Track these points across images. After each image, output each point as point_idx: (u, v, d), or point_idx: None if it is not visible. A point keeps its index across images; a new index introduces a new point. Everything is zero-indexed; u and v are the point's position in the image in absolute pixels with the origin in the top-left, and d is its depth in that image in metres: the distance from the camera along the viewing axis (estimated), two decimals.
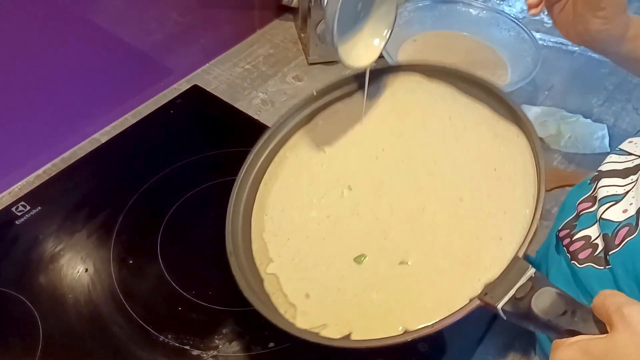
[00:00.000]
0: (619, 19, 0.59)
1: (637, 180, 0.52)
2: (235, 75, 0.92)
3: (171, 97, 0.87)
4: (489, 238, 0.53)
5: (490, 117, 0.62)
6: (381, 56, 0.76)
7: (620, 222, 0.49)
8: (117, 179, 0.76)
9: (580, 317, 0.42)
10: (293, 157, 0.67)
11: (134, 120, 0.83)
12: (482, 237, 0.53)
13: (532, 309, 0.43)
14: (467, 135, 0.61)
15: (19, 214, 0.70)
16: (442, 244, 0.54)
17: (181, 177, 0.76)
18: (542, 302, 0.43)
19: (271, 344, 0.59)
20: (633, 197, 0.51)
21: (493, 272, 0.49)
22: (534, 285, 0.45)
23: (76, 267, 0.66)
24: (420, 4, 0.94)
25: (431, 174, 0.60)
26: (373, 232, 0.58)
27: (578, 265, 0.52)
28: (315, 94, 0.68)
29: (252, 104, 0.88)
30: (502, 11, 0.97)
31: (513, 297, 0.46)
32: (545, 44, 1.00)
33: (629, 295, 0.46)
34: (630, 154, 0.57)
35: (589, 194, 0.56)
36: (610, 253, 0.49)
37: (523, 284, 0.46)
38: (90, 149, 0.79)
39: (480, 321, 0.63)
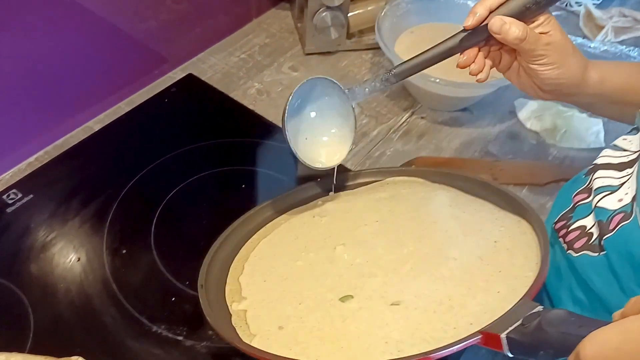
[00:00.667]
0: (570, 61, 0.57)
1: (632, 172, 0.53)
2: (231, 64, 0.91)
3: (165, 86, 0.86)
4: (488, 294, 0.51)
5: (492, 208, 0.63)
6: (378, 48, 0.76)
7: (616, 209, 0.50)
8: (110, 167, 0.75)
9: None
10: (290, 220, 0.68)
11: (127, 109, 0.82)
12: (481, 293, 0.52)
13: (544, 327, 0.40)
14: (466, 217, 0.63)
15: (10, 202, 0.70)
16: (434, 292, 0.53)
17: (175, 167, 0.75)
18: (555, 319, 0.41)
19: None
20: (629, 188, 0.52)
21: (493, 318, 0.47)
22: (542, 313, 0.43)
23: (68, 256, 0.65)
24: None
25: (424, 241, 0.60)
26: (362, 280, 0.56)
27: (574, 254, 0.53)
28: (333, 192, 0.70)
29: (247, 94, 0.87)
30: None
31: (520, 325, 0.43)
32: None
33: (623, 278, 0.46)
34: (625, 150, 0.58)
35: (584, 185, 0.57)
36: (604, 237, 0.50)
37: (530, 314, 0.43)
38: (84, 137, 0.78)
39: None
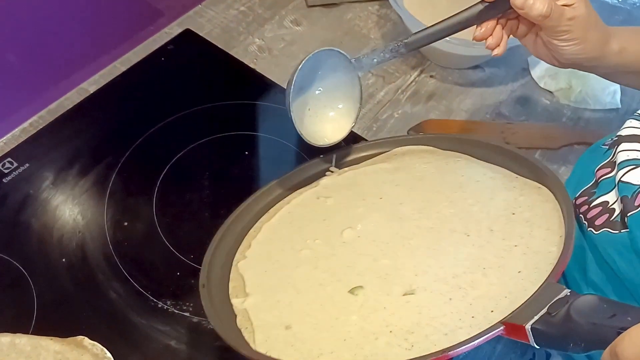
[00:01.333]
0: (592, 36, 0.54)
1: None
2: (230, 18, 0.87)
3: (162, 43, 0.82)
4: (505, 272, 0.49)
5: (508, 174, 0.60)
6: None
7: None
8: (107, 133, 0.72)
9: (636, 317, 0.35)
10: (292, 203, 0.64)
11: (123, 69, 0.78)
12: (500, 272, 0.49)
13: (573, 316, 0.37)
14: (480, 187, 0.59)
15: (6, 171, 0.67)
16: (449, 275, 0.50)
17: (174, 133, 0.72)
18: (584, 307, 0.37)
19: None
20: None
21: (515, 304, 0.44)
22: (570, 299, 0.39)
23: (69, 229, 0.64)
24: None
25: (435, 217, 0.57)
26: (372, 266, 0.53)
27: (594, 232, 0.51)
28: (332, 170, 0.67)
29: (248, 51, 0.83)
30: None
31: (546, 314, 0.39)
32: None
33: None
34: None
35: (608, 159, 0.54)
36: (629, 214, 0.48)
37: (556, 301, 0.40)
38: (79, 100, 0.75)
39: None
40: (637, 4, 0.92)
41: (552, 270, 0.45)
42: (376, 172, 0.65)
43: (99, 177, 0.68)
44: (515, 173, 0.59)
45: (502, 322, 0.41)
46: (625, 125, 0.55)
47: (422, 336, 0.45)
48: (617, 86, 0.80)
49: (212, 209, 0.66)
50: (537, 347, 0.39)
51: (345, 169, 0.67)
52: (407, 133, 0.74)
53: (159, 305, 0.58)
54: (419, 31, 0.59)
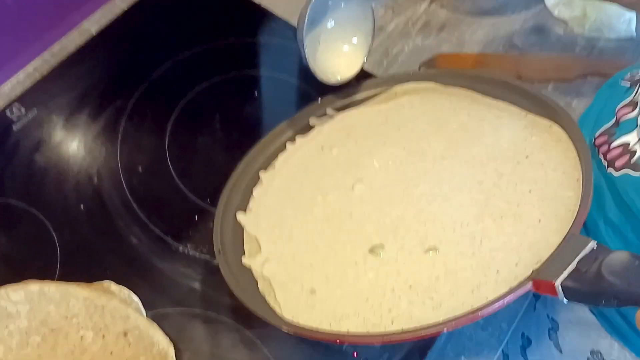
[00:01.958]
0: None
1: None
2: None
3: None
4: (523, 221, 0.48)
5: (516, 112, 0.57)
6: None
7: None
8: (114, 75, 0.71)
9: None
10: (297, 155, 0.62)
11: (124, 6, 0.76)
12: (517, 220, 0.48)
13: (605, 275, 0.36)
14: (488, 126, 0.57)
15: (15, 118, 0.66)
16: (468, 230, 0.49)
17: (182, 73, 0.71)
18: (617, 265, 0.36)
19: None
20: None
21: (540, 256, 0.43)
22: (599, 255, 0.38)
23: (84, 176, 0.64)
24: None
25: (440, 163, 0.56)
26: (389, 222, 0.52)
27: (615, 173, 0.51)
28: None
29: None
30: None
31: (575, 270, 0.39)
32: None
33: None
34: None
35: (629, 99, 0.53)
36: None
37: (585, 256, 0.39)
38: (81, 42, 0.73)
39: None
40: None
41: (575, 220, 0.44)
42: (379, 115, 0.64)
43: (109, 122, 0.67)
44: (525, 110, 0.58)
45: (530, 279, 0.41)
46: None
47: (446, 293, 0.45)
48: (633, 14, 0.77)
49: (225, 151, 0.65)
50: (566, 302, 0.39)
51: (345, 111, 0.65)
52: (419, 68, 0.73)
53: (180, 249, 0.60)
54: None
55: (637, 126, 0.50)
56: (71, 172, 0.64)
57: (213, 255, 0.59)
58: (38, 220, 0.60)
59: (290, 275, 0.52)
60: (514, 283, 0.42)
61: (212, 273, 0.58)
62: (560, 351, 0.59)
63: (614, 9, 0.78)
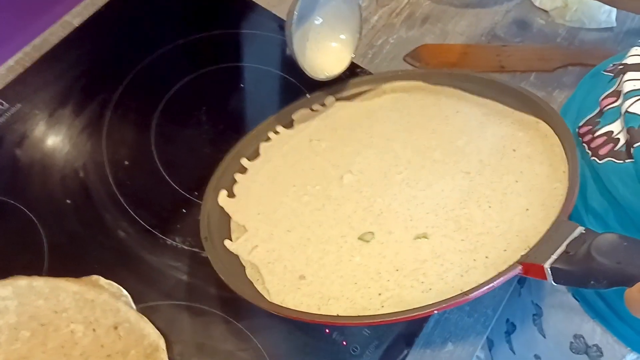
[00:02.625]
0: None
1: None
2: None
3: None
4: (510, 209, 0.49)
5: (504, 110, 0.58)
6: None
7: None
8: (97, 69, 0.70)
9: None
10: (285, 147, 0.63)
11: None
12: (504, 208, 0.49)
13: (594, 255, 0.37)
14: (475, 123, 0.58)
15: None
16: (453, 214, 0.50)
17: (167, 66, 0.71)
18: (605, 246, 0.37)
19: None
20: None
21: (526, 242, 0.44)
22: (587, 238, 0.39)
23: (70, 170, 0.63)
24: None
25: (429, 155, 0.57)
26: (377, 210, 0.53)
27: (598, 161, 0.52)
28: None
29: None
30: None
31: (564, 253, 0.39)
32: None
33: None
34: None
35: (613, 88, 0.55)
36: (635, 145, 0.48)
37: (574, 239, 0.40)
38: (64, 35, 0.72)
39: None
40: None
41: (562, 208, 0.45)
42: (368, 111, 0.65)
43: (94, 116, 0.67)
44: (512, 108, 0.59)
45: (519, 262, 0.42)
46: (630, 53, 0.55)
47: (435, 277, 0.45)
48: None
49: (212, 145, 0.65)
50: (555, 284, 0.40)
51: (334, 106, 0.66)
52: (403, 60, 0.74)
53: (168, 243, 0.60)
54: None
55: (620, 115, 0.51)
56: (56, 167, 0.63)
57: (201, 247, 0.59)
58: (24, 215, 0.60)
59: (279, 262, 0.52)
60: (503, 267, 0.43)
61: (200, 265, 0.59)
62: (544, 336, 0.61)
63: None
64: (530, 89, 0.61)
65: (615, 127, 0.52)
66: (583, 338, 0.55)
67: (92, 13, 0.74)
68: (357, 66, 0.71)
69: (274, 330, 0.55)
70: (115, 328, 0.52)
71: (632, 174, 0.49)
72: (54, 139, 0.65)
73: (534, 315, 0.62)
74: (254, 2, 0.76)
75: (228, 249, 0.55)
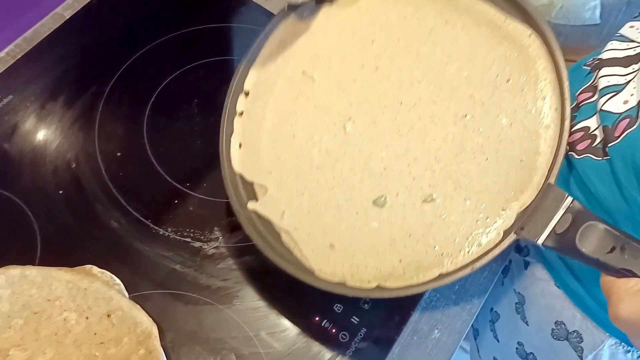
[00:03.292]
0: None
1: (638, 69, 0.52)
2: None
3: None
4: (506, 160, 0.50)
5: (495, 16, 0.55)
6: None
7: (621, 113, 0.49)
8: (89, 61, 0.71)
9: (631, 254, 0.39)
10: (279, 83, 0.60)
11: None
12: (499, 159, 0.50)
13: (578, 247, 0.41)
14: (467, 39, 0.55)
15: None
16: (455, 175, 0.51)
17: (159, 59, 0.71)
18: (588, 238, 0.40)
19: None
20: (634, 88, 0.50)
21: (522, 200, 0.47)
22: (575, 218, 0.43)
23: (62, 162, 0.64)
24: None
25: (422, 88, 0.55)
26: (383, 167, 0.53)
27: (576, 156, 0.53)
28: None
29: None
30: None
31: (553, 232, 0.43)
32: None
33: (626, 186, 0.48)
34: (632, 40, 0.56)
35: (589, 83, 0.55)
36: (609, 145, 0.49)
37: (562, 216, 0.43)
38: (55, 27, 0.72)
39: None
40: None
41: (551, 171, 0.47)
42: (346, 31, 0.59)
43: (86, 108, 0.67)
44: (504, 14, 0.54)
45: (515, 234, 0.46)
46: (606, 48, 0.56)
47: (443, 239, 0.49)
48: (597, 1, 0.80)
49: (203, 137, 0.66)
50: (543, 248, 0.45)
51: (313, 17, 0.61)
52: None
53: (161, 233, 0.61)
54: None
55: (597, 111, 0.52)
56: (49, 158, 0.64)
57: (194, 238, 0.61)
58: (16, 206, 0.60)
59: (309, 230, 0.53)
60: (503, 228, 0.47)
61: (193, 255, 0.60)
62: (527, 323, 0.62)
63: None
64: None
65: (592, 123, 0.53)
66: (564, 324, 0.57)
67: (83, 5, 0.74)
68: None
69: (265, 316, 0.57)
70: (108, 316, 0.53)
71: (608, 171, 0.50)
72: (46, 130, 0.66)
73: (516, 303, 0.64)
74: None
75: (261, 218, 0.56)
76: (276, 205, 0.55)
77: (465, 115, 0.52)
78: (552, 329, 0.58)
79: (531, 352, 0.63)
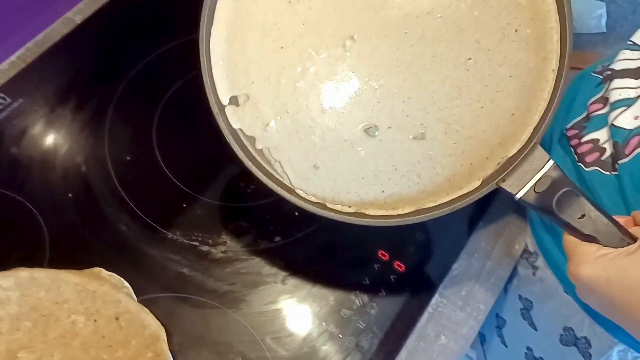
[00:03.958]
0: None
1: None
2: None
3: None
4: (499, 112, 0.50)
5: None
6: None
7: (632, 130, 0.49)
8: (99, 65, 0.71)
9: (599, 224, 0.42)
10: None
11: None
12: (493, 110, 0.50)
13: (554, 209, 0.44)
14: None
15: (0, 107, 0.67)
16: (447, 119, 0.51)
17: (170, 62, 0.72)
18: (564, 202, 0.43)
19: (277, 238, 0.61)
20: None
21: (505, 152, 0.48)
22: (555, 181, 0.45)
23: (71, 165, 0.64)
24: None
25: (439, 29, 0.52)
26: (381, 101, 0.52)
27: (584, 168, 0.53)
28: None
29: None
30: None
31: (532, 190, 0.45)
32: None
33: (633, 204, 0.48)
34: None
35: (600, 94, 0.55)
36: (619, 162, 0.49)
37: (542, 177, 0.45)
38: (66, 32, 0.73)
39: (474, 209, 0.65)
40: None
41: (537, 131, 0.48)
42: None
43: (96, 111, 0.68)
44: None
45: (496, 185, 0.48)
46: (618, 57, 0.55)
47: (427, 178, 0.50)
48: (604, 10, 0.80)
49: (213, 141, 0.66)
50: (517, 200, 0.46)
51: None
52: None
53: (169, 236, 0.61)
54: None
55: (607, 124, 0.52)
56: (58, 161, 0.64)
57: (202, 242, 0.61)
58: (26, 208, 0.61)
59: (290, 152, 0.52)
60: (483, 174, 0.49)
61: (201, 258, 0.60)
62: (536, 329, 0.62)
63: (586, 3, 0.81)
64: None
65: (601, 135, 0.52)
66: (572, 330, 0.57)
67: (94, 10, 0.75)
68: None
69: (273, 324, 0.57)
70: (117, 319, 0.53)
71: (616, 187, 0.50)
72: (56, 134, 0.66)
73: (521, 309, 0.64)
74: None
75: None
76: (258, 118, 0.53)
77: (469, 59, 0.50)
78: (561, 335, 0.58)
79: (540, 357, 0.63)
